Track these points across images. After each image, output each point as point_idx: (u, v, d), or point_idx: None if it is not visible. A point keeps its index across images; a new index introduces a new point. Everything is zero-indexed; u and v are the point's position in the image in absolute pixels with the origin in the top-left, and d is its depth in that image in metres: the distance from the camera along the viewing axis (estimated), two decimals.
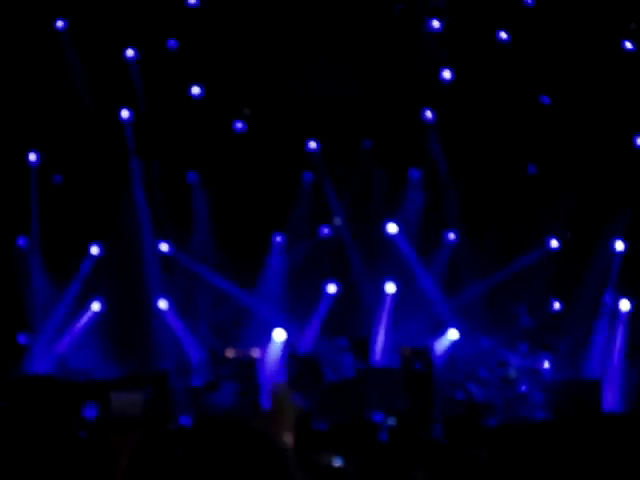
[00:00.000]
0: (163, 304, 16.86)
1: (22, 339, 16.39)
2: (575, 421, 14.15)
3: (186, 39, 16.63)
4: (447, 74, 16.97)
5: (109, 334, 16.52)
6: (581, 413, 14.82)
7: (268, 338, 16.88)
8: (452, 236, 17.53)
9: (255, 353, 16.52)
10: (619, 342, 16.34)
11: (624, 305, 16.30)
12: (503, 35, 16.80)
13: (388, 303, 17.18)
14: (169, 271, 17.24)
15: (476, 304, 17.03)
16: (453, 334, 16.76)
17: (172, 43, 16.71)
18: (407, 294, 17.22)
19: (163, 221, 17.18)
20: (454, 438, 14.16)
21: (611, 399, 15.67)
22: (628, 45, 16.46)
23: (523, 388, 15.55)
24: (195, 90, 16.87)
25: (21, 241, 16.78)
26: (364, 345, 16.46)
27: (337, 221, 17.61)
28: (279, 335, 16.82)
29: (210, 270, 17.25)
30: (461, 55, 16.84)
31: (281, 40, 16.52)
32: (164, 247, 16.99)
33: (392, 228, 17.30)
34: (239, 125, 17.17)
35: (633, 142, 16.80)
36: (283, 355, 16.68)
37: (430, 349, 16.36)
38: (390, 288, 17.14)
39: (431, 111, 17.13)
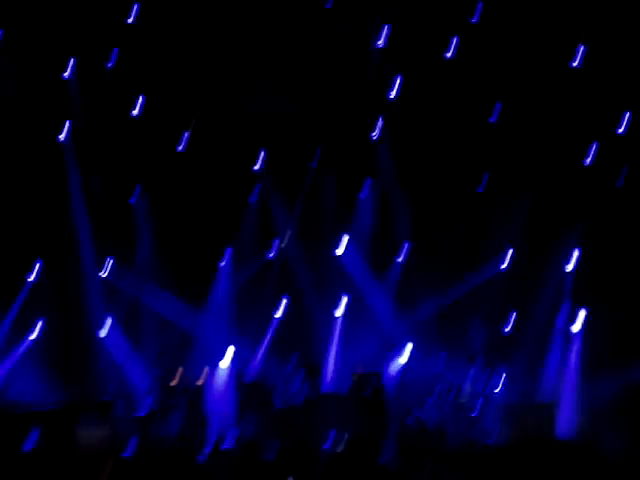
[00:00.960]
0: (103, 332, 16.32)
1: None
2: (526, 447, 13.88)
3: (127, 55, 16.09)
4: (394, 89, 16.62)
5: (49, 361, 15.96)
6: (534, 437, 14.54)
7: (215, 363, 16.44)
8: (404, 254, 17.17)
9: (201, 381, 16.05)
10: (573, 363, 16.10)
11: (576, 326, 16.06)
12: (449, 52, 16.50)
13: (339, 325, 16.81)
14: (112, 293, 16.71)
15: (429, 322, 16.71)
16: (404, 357, 16.42)
17: (112, 59, 16.14)
18: (359, 314, 16.86)
19: (105, 240, 16.63)
20: (404, 464, 13.85)
21: (565, 423, 15.42)
22: (576, 57, 16.26)
23: (474, 413, 15.24)
24: (135, 110, 16.34)
25: None
26: (315, 370, 16.05)
27: (285, 240, 17.19)
28: (225, 362, 16.39)
29: (155, 292, 16.74)
30: (409, 69, 16.52)
31: (225, 56, 16.05)
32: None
33: (339, 250, 16.91)
34: (181, 144, 16.65)
35: (586, 153, 16.58)
36: (230, 382, 16.24)
37: (381, 374, 16.00)
38: (339, 311, 16.76)
39: (380, 126, 16.76)
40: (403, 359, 16.40)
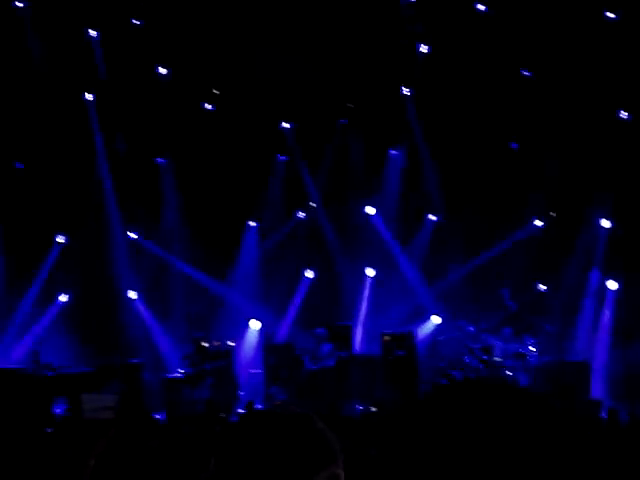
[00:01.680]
0: (132, 294, 16.27)
1: None
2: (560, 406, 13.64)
3: (153, 18, 15.97)
4: (424, 48, 16.39)
5: (78, 326, 15.90)
6: (568, 397, 14.31)
7: (244, 328, 16.35)
8: (433, 218, 16.97)
9: (232, 344, 15.97)
10: (605, 323, 15.86)
11: (611, 284, 15.81)
12: (481, 7, 16.21)
13: (368, 289, 16.65)
14: (139, 260, 16.63)
15: (459, 288, 16.48)
16: (435, 319, 16.26)
17: (137, 22, 16.04)
18: (388, 279, 16.69)
19: (131, 208, 16.56)
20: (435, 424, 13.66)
21: (599, 382, 15.19)
22: (610, 15, 15.87)
23: (508, 373, 15.01)
24: (162, 70, 16.23)
25: None
26: (344, 333, 15.88)
27: (313, 205, 17.03)
28: (255, 324, 16.29)
29: (182, 259, 16.64)
30: (439, 28, 16.24)
31: (252, 20, 15.88)
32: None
33: (370, 210, 16.74)
34: (209, 106, 16.52)
35: (617, 116, 16.25)
36: (260, 345, 16.15)
37: (412, 335, 15.83)
38: (370, 272, 16.60)
39: (410, 87, 16.55)
40: (435, 320, 16.24)
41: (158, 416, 14.09)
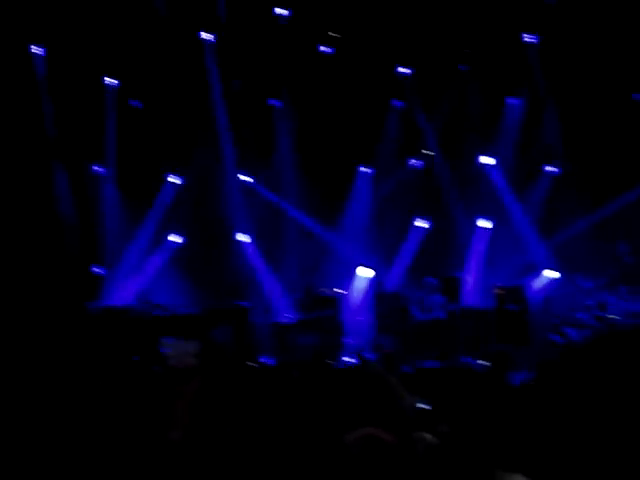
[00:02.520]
0: (244, 237, 16.24)
1: (97, 270, 15.89)
2: None
3: None
4: None
5: (188, 268, 15.98)
6: None
7: (354, 275, 16.21)
8: (551, 169, 16.50)
9: (341, 291, 15.86)
10: None
11: None
12: None
13: (481, 240, 16.31)
14: (251, 203, 16.59)
15: (576, 242, 16.04)
16: (550, 273, 15.86)
17: None
18: (502, 231, 16.34)
19: (245, 149, 16.49)
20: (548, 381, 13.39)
21: None
22: None
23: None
24: (281, 11, 16.00)
25: (97, 169, 16.19)
26: (455, 284, 15.63)
27: (429, 152, 16.70)
28: (365, 272, 16.11)
29: (293, 203, 16.54)
30: None
31: None
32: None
33: (487, 160, 16.34)
34: (327, 49, 16.26)
35: None
36: (369, 293, 16.00)
37: (525, 289, 15.50)
38: (484, 224, 16.24)
39: (532, 35, 16.02)
40: (549, 274, 15.86)
41: (267, 360, 14.13)
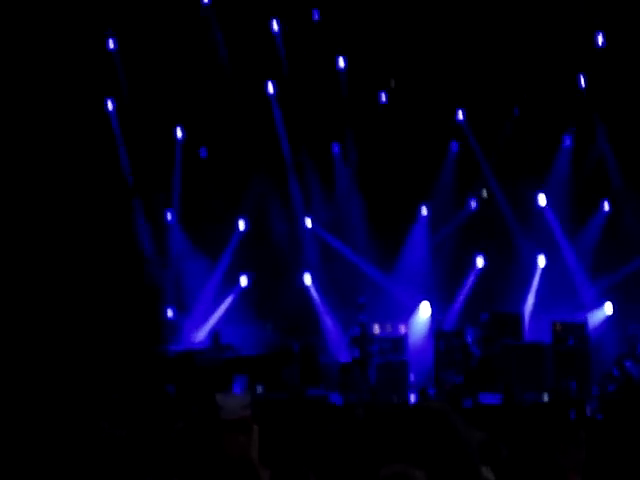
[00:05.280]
0: (307, 279, 16.76)
1: (169, 313, 16.47)
2: None
3: (330, 11, 16.36)
4: (600, 38, 16.27)
5: (256, 309, 16.49)
6: None
7: (414, 314, 16.61)
8: (607, 207, 16.83)
9: (402, 329, 16.26)
10: None
11: None
12: None
13: (538, 275, 16.68)
14: (314, 242, 17.11)
15: (631, 281, 16.28)
16: (608, 308, 16.17)
17: (316, 14, 16.47)
18: (557, 268, 16.67)
19: (307, 193, 17.07)
20: (610, 415, 13.69)
21: None
22: None
23: None
24: (340, 62, 16.61)
25: (169, 215, 16.84)
26: (514, 320, 15.97)
27: (484, 193, 17.12)
28: (425, 310, 16.53)
29: (351, 245, 16.99)
30: (614, 18, 16.09)
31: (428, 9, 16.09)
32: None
33: (541, 199, 16.76)
34: (382, 96, 16.82)
35: None
36: (430, 331, 16.38)
37: (585, 324, 15.81)
38: (541, 261, 16.64)
39: (585, 76, 16.46)
40: (607, 311, 16.18)
41: (335, 399, 14.55)
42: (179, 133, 16.70)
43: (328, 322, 16.74)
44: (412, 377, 15.59)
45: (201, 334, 16.21)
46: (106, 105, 16.24)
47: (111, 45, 16.21)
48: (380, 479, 2.95)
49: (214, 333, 15.89)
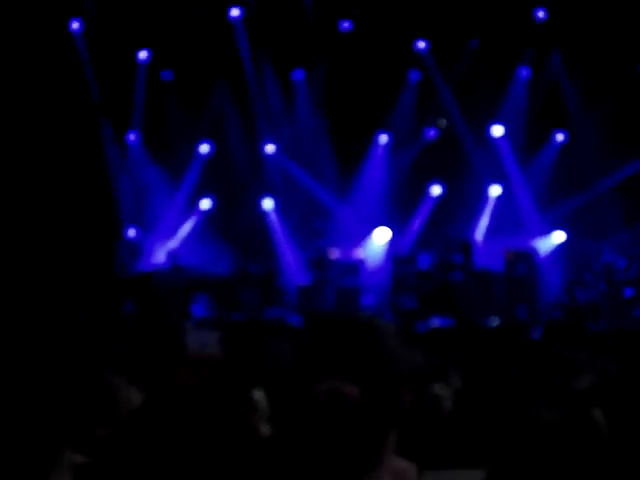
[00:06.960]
0: (268, 204, 17.04)
1: (131, 233, 16.68)
2: None
3: None
4: None
5: (217, 232, 16.77)
6: None
7: (369, 238, 16.92)
8: (560, 137, 17.19)
9: (358, 254, 16.60)
10: None
11: None
12: None
13: (491, 204, 17.04)
14: (271, 169, 17.36)
15: (584, 209, 16.68)
16: (558, 236, 16.58)
17: None
18: (511, 197, 17.05)
19: (268, 120, 17.26)
20: (554, 341, 14.12)
21: None
22: None
23: (629, 292, 15.20)
24: None
25: (131, 136, 16.98)
26: (467, 247, 16.36)
27: (443, 122, 17.38)
28: (382, 235, 16.82)
29: (309, 171, 17.24)
30: None
31: None
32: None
33: (497, 130, 17.07)
34: (346, 25, 16.96)
35: None
36: (387, 256, 16.72)
37: (535, 252, 16.26)
38: (495, 191, 17.01)
39: (543, 10, 16.67)
40: (558, 238, 16.57)
41: (294, 321, 14.92)
42: (143, 54, 16.75)
43: (286, 246, 17.04)
44: (367, 300, 15.98)
45: (161, 255, 16.46)
46: (71, 26, 16.28)
47: None
48: (314, 395, 2.99)
49: (172, 254, 16.13)
